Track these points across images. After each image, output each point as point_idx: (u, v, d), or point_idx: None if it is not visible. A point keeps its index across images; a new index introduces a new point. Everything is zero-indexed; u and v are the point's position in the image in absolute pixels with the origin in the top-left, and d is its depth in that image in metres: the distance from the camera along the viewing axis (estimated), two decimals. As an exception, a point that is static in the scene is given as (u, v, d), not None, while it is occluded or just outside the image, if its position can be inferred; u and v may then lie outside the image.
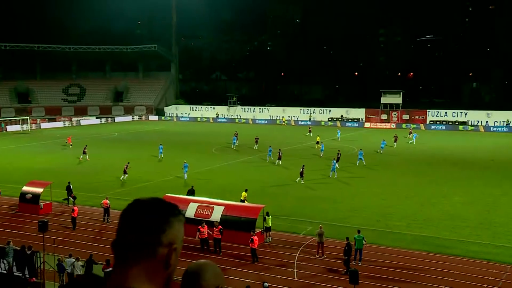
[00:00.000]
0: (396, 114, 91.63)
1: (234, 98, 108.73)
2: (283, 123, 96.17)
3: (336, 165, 43.74)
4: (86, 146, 53.06)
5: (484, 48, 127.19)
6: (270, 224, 25.92)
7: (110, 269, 19.50)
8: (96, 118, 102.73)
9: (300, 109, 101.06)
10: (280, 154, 49.11)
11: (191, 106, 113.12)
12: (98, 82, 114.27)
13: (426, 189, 38.11)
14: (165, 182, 40.68)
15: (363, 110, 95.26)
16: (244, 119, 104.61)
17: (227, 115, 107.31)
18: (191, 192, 32.10)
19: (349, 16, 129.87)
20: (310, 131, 74.31)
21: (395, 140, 61.44)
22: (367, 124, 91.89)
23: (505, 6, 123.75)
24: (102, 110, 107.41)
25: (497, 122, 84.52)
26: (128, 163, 42.47)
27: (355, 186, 39.41)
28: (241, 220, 25.56)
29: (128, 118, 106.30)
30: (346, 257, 21.75)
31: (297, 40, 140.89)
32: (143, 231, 1.99)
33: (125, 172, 40.70)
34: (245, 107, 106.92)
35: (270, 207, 28.42)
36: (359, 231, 22.91)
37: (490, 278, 20.83)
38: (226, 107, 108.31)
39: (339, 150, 49.34)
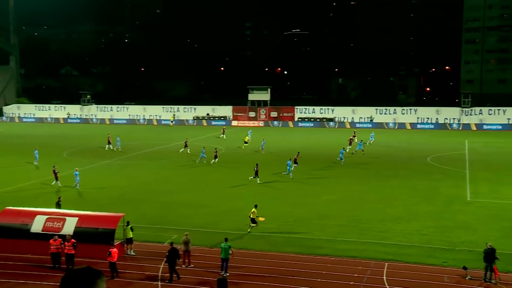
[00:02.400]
0: (264, 111, 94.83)
1: (88, 96, 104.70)
2: (171, 122, 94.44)
3: (292, 166, 44.77)
4: None
5: (348, 44, 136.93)
6: (131, 235, 25.33)
7: None
8: None
9: (163, 107, 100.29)
10: (216, 153, 51.25)
11: (37, 105, 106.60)
12: None
13: (296, 188, 40.00)
14: (6, 193, 37.81)
15: (230, 107, 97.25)
16: (100, 119, 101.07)
17: (80, 114, 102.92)
18: (58, 205, 30.09)
19: (214, 7, 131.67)
20: (223, 132, 73.65)
21: (350, 143, 60.78)
22: (234, 122, 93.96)
23: (365, 3, 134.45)
24: None
25: (362, 118, 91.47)
26: (54, 166, 40.93)
27: (222, 188, 40.05)
28: (98, 231, 24.68)
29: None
30: (167, 263, 22.10)
31: (158, 32, 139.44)
32: None
33: (56, 178, 39.52)
34: (101, 105, 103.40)
35: (131, 215, 27.79)
36: (226, 239, 23.23)
37: (356, 275, 22.49)
38: (79, 106, 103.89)
39: (298, 152, 49.89)
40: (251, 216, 28.76)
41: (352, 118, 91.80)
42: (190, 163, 51.73)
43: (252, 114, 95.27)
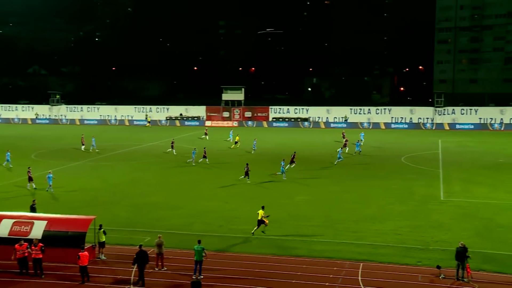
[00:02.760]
0: (239, 111, 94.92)
1: (58, 96, 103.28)
2: (147, 123, 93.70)
3: (286, 166, 45.38)
4: None
5: (322, 43, 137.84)
6: (104, 239, 25.03)
7: None
8: None
9: (135, 108, 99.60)
10: (205, 153, 51.76)
11: (3, 105, 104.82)
12: None
13: (270, 189, 40.08)
14: (-28, 197, 37.04)
15: (203, 107, 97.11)
16: (69, 119, 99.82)
17: (49, 115, 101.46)
18: (32, 209, 29.44)
19: (187, 5, 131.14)
20: (206, 134, 72.88)
21: (345, 145, 59.49)
22: (208, 123, 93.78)
23: (340, 2, 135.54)
24: None
25: (336, 118, 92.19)
26: (29, 167, 40.68)
27: (196, 189, 39.92)
28: (68, 235, 24.32)
29: None
30: (137, 266, 21.86)
31: (130, 30, 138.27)
32: None
33: (30, 179, 39.42)
34: (70, 106, 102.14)
35: (103, 218, 27.50)
36: (199, 241, 23.07)
37: (331, 276, 22.64)
38: (48, 106, 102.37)
39: (295, 152, 50.13)
40: (259, 218, 28.15)
41: (327, 118, 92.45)
42: (164, 163, 51.43)
43: (226, 114, 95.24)
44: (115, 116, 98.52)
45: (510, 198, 36.80)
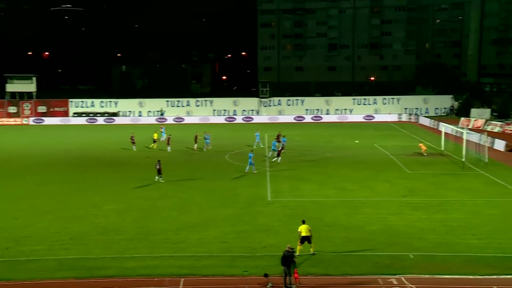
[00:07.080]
0: (29, 105, 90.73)
1: None
2: None
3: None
4: None
5: (132, 25, 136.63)
6: None
7: None
8: None
9: None
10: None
11: None
12: None
13: (72, 199, 38.77)
14: None
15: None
16: None
17: None
18: None
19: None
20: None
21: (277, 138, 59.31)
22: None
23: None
24: None
25: (151, 112, 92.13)
26: None
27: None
28: None
29: None
30: None
31: None
32: None
33: None
34: None
35: None
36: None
37: (148, 296, 22.61)
38: None
39: (283, 142, 54.10)
40: (303, 235, 26.97)
41: (140, 112, 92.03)
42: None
43: (12, 109, 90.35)
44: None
45: (337, 194, 39.95)
